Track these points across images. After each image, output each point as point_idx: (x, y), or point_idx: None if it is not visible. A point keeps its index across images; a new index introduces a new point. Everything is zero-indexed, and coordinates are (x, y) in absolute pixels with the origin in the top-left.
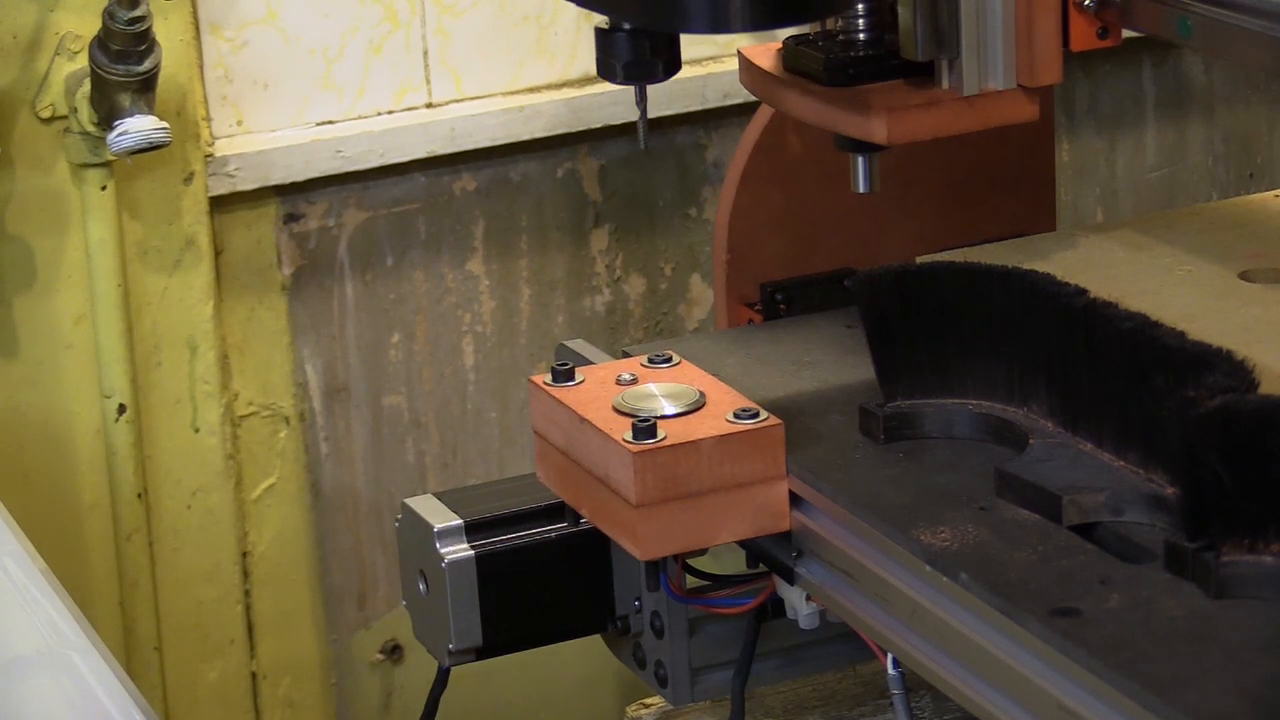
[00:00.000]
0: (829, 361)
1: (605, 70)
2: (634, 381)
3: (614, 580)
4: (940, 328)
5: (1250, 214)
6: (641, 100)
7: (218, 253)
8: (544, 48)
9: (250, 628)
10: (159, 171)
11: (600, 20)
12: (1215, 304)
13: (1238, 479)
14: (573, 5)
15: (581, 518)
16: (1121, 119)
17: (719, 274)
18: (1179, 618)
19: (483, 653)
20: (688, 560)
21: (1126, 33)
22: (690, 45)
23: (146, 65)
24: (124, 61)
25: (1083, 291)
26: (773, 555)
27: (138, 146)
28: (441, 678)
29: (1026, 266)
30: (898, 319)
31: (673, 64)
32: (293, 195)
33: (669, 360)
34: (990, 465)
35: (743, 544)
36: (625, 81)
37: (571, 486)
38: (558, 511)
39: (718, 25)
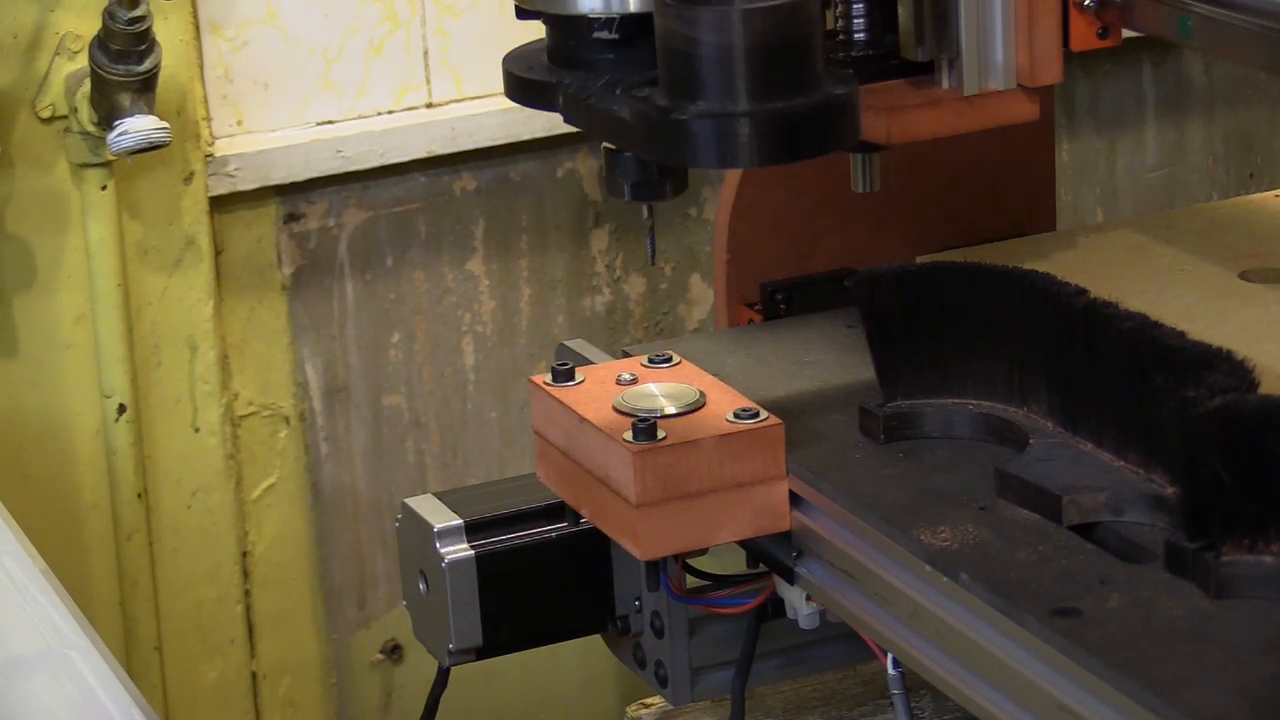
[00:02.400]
0: (829, 361)
1: (613, 189)
2: (634, 381)
3: (614, 580)
4: (940, 328)
5: (1250, 214)
6: (650, 217)
7: (218, 253)
8: None
9: (250, 628)
10: (159, 171)
11: None
12: (1215, 304)
13: (1238, 479)
14: None
15: (581, 518)
16: (1121, 119)
17: (719, 274)
18: (1179, 618)
19: (483, 653)
20: (688, 560)
21: (1126, 33)
22: None
23: (146, 65)
24: (124, 61)
25: (1083, 291)
26: (773, 555)
27: (138, 146)
28: (441, 678)
29: (1026, 266)
30: (898, 319)
31: (681, 183)
32: (293, 195)
33: (669, 360)
34: (990, 465)
35: (743, 544)
36: (633, 200)
37: (571, 486)
38: (558, 511)
39: (725, 163)
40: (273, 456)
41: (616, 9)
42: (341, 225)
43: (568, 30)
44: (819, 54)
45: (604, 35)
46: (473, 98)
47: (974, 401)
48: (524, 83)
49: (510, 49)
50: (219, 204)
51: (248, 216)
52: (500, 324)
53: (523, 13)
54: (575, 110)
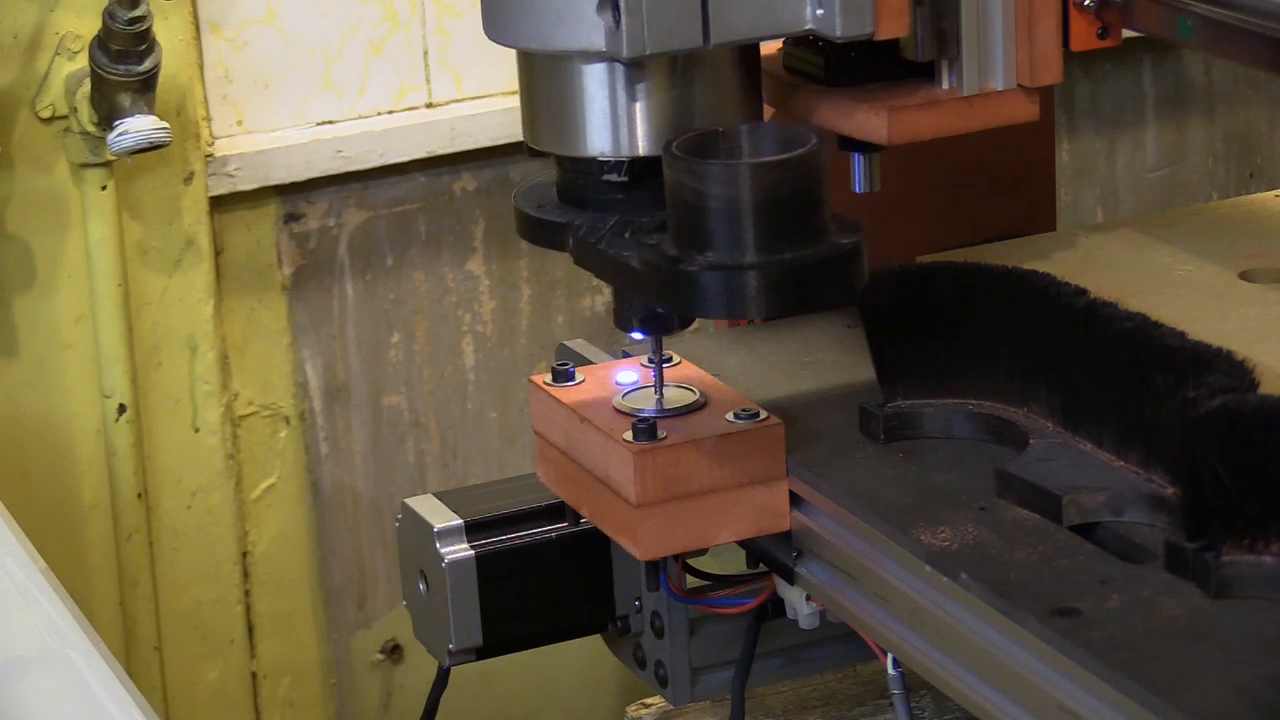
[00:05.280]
0: (829, 361)
1: (621, 321)
2: (634, 382)
3: (614, 580)
4: (940, 328)
5: (1250, 214)
6: (657, 350)
7: (218, 253)
8: None
9: (250, 628)
10: (159, 171)
11: None
12: (1215, 304)
13: (1238, 479)
14: None
15: (581, 518)
16: (1121, 119)
17: None
18: (1179, 618)
19: (483, 653)
20: (688, 560)
21: (1126, 33)
22: None
23: (146, 65)
24: (124, 61)
25: (1083, 291)
26: (773, 555)
27: (138, 146)
28: (441, 678)
29: (1026, 266)
30: (898, 319)
31: (689, 318)
32: (293, 195)
33: (669, 360)
34: (990, 465)
35: (743, 544)
36: (641, 333)
37: (571, 486)
38: (558, 511)
39: (734, 314)
40: (273, 456)
41: (626, 152)
42: (341, 225)
43: (577, 170)
44: (826, 204)
45: (613, 177)
46: (473, 98)
47: (974, 401)
48: (534, 221)
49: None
50: (219, 204)
51: (248, 216)
52: (500, 324)
53: (533, 152)
54: (584, 254)
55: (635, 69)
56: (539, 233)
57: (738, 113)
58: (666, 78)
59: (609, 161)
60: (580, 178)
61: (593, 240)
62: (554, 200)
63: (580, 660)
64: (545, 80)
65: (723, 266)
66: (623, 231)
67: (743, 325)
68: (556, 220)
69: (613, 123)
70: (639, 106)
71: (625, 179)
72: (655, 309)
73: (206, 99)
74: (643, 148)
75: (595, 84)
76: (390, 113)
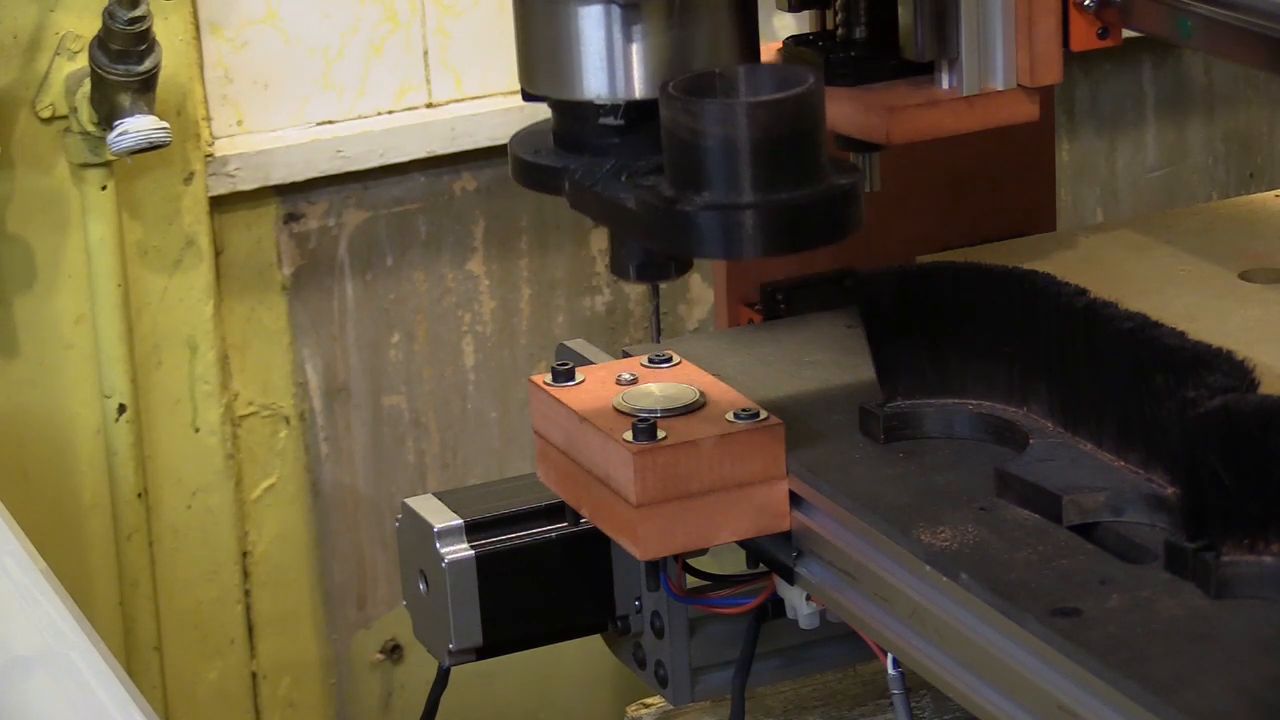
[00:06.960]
0: (829, 361)
1: (618, 268)
2: (634, 381)
3: (614, 580)
4: (940, 328)
5: (1250, 214)
6: (655, 297)
7: (218, 253)
8: None
9: (250, 628)
10: (159, 171)
11: None
12: (1215, 304)
13: (1238, 479)
14: None
15: (581, 518)
16: (1121, 119)
17: (719, 274)
18: (1179, 618)
19: (483, 653)
20: (688, 560)
21: (1126, 33)
22: None
23: (146, 65)
24: (124, 61)
25: (1083, 291)
26: (773, 555)
27: (138, 146)
28: (441, 678)
29: (1026, 266)
30: (898, 319)
31: (685, 263)
32: (293, 195)
33: (669, 360)
34: (990, 465)
35: (743, 544)
36: (638, 280)
37: (571, 486)
38: (558, 511)
39: (731, 254)
40: (273, 456)
41: (622, 96)
42: (341, 225)
43: (573, 115)
44: (823, 144)
45: (610, 121)
46: (473, 98)
47: (974, 401)
48: (529, 166)
49: (510, 49)
50: (219, 204)
51: (248, 216)
52: (500, 324)
53: (529, 96)
54: (581, 197)
55: (632, 11)
56: (535, 177)
57: (735, 54)
58: (663, 20)
59: (605, 105)
60: (576, 122)
61: (589, 184)
62: (550, 146)
63: (580, 660)
64: (541, 23)
65: (719, 206)
66: (619, 175)
67: (743, 325)
68: (552, 165)
69: (609, 66)
70: (635, 49)
71: (621, 122)
72: (652, 256)
73: (206, 99)
74: (639, 91)
75: (591, 26)
76: (390, 113)
